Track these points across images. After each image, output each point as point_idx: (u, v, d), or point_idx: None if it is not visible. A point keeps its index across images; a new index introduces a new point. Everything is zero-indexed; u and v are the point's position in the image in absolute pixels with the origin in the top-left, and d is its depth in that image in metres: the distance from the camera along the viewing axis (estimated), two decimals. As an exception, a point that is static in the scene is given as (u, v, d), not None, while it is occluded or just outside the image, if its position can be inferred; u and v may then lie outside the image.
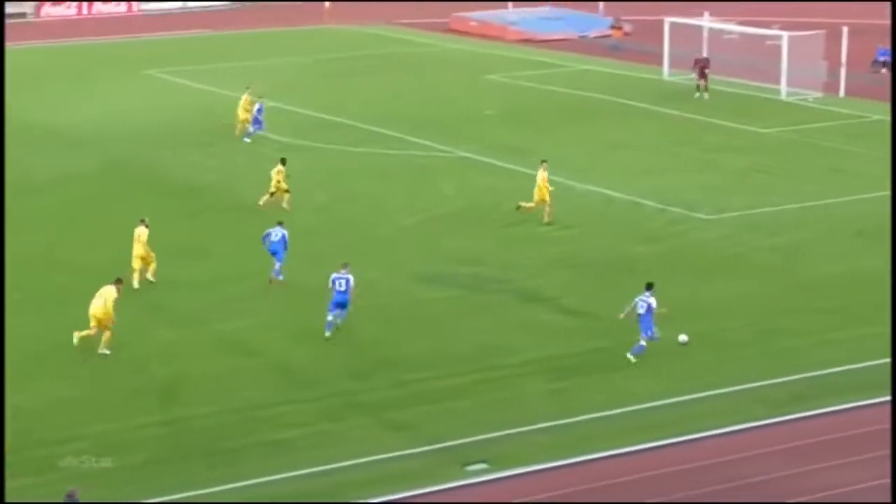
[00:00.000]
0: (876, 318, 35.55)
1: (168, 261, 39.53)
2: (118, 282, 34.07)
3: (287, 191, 46.38)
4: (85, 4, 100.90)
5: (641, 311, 32.94)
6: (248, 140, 56.91)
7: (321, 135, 58.17)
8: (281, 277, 38.85)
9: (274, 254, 38.91)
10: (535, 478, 27.36)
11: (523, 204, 44.76)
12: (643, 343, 32.84)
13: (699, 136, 57.15)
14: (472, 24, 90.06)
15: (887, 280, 38.38)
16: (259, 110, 57.39)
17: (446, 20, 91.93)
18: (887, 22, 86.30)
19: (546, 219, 44.34)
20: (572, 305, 36.99)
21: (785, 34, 66.22)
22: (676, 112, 61.54)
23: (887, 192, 47.42)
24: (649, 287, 33.25)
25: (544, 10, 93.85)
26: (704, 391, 31.15)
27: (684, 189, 48.36)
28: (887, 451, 27.55)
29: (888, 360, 32.57)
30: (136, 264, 38.44)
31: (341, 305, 34.87)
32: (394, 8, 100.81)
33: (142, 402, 30.82)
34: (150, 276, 38.64)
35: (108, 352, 33.31)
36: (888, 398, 30.52)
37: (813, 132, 57.71)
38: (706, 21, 71.53)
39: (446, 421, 29.83)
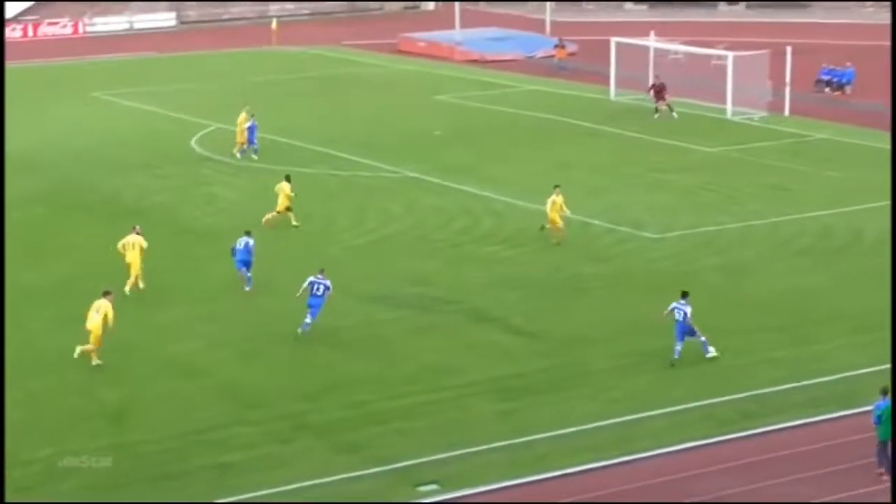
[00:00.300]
0: (820, 335, 35.80)
1: (116, 284, 39.21)
2: (107, 294, 34.39)
3: (289, 209, 46.67)
4: (30, 26, 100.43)
5: (679, 317, 33.83)
6: (239, 157, 56.79)
7: (270, 156, 58.02)
8: (247, 289, 39.68)
9: (243, 264, 39.72)
10: (486, 498, 27.34)
11: (547, 225, 44.55)
12: (702, 339, 33.96)
13: (646, 156, 57.40)
14: (421, 44, 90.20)
15: (830, 297, 38.73)
16: (251, 129, 57.19)
17: (394, 41, 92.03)
18: (830, 42, 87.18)
19: (554, 240, 44.17)
20: (521, 325, 37.03)
21: (730, 54, 66.63)
22: (623, 132, 61.78)
23: (831, 211, 47.83)
24: (685, 295, 34.26)
25: (491, 31, 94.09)
26: (653, 409, 31.20)
27: (632, 208, 48.55)
28: (839, 467, 27.80)
29: (834, 376, 32.85)
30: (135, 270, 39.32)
31: (313, 309, 35.82)
32: (342, 29, 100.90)
33: (89, 426, 30.60)
34: (127, 288, 38.85)
35: (100, 362, 33.86)
36: (836, 414, 30.82)
37: (758, 151, 58.07)
38: (652, 41, 71.87)
39: (396, 442, 29.77)
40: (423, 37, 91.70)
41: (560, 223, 44.39)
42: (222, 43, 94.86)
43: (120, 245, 40.04)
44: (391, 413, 31.30)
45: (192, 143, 61.34)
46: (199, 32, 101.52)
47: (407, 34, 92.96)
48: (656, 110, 64.50)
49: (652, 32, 73.06)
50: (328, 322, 37.12)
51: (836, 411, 31.02)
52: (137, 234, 40.13)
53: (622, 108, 68.06)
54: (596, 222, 47.12)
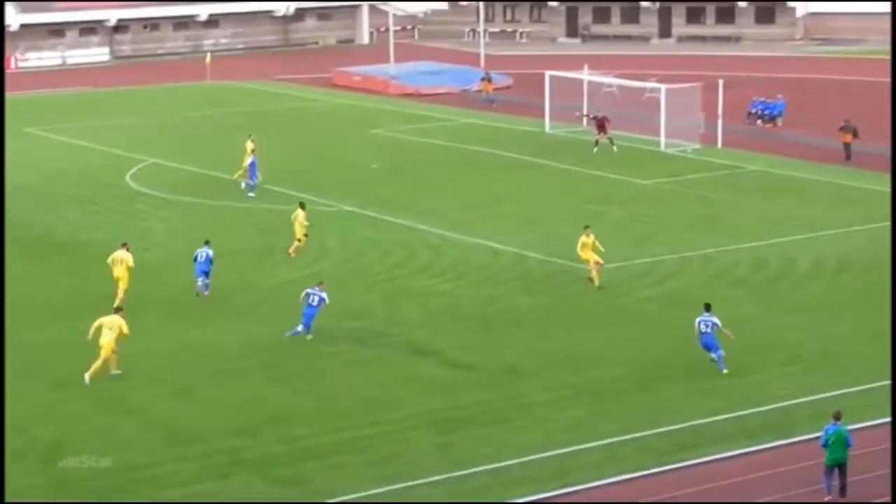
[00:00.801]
0: (754, 365, 35.97)
1: (48, 320, 38.94)
2: (118, 311, 35.88)
3: (305, 236, 47.31)
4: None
5: (707, 329, 35.15)
6: (244, 187, 56.59)
7: (205, 191, 57.83)
8: (207, 293, 41.92)
9: (202, 273, 41.94)
10: (422, 532, 27.25)
11: (593, 276, 43.44)
12: (722, 353, 35.19)
13: (581, 188, 57.62)
14: (356, 78, 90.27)
15: (765, 327, 38.93)
16: (252, 164, 56.80)
17: (329, 75, 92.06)
18: (760, 74, 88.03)
19: (596, 282, 43.20)
20: (458, 358, 36.98)
21: (663, 87, 67.11)
22: (558, 164, 61.99)
23: (765, 241, 48.18)
24: (708, 308, 35.53)
25: (426, 65, 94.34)
26: (591, 441, 31.22)
27: (567, 240, 48.56)
28: (776, 497, 27.88)
29: (770, 406, 33.00)
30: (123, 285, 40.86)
31: (307, 319, 37.92)
32: (277, 63, 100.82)
33: (23, 464, 30.24)
34: (116, 303, 39.07)
35: (88, 380, 34.76)
36: (772, 444, 30.90)
37: (692, 183, 58.44)
38: (586, 74, 72.29)
39: (334, 476, 29.62)
40: (357, 71, 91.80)
41: (595, 262, 43.41)
42: (157, 77, 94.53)
43: (109, 260, 41.88)
44: (329, 447, 31.15)
45: (127, 177, 60.98)
46: (133, 67, 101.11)
47: (342, 68, 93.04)
48: (597, 143, 64.75)
49: (586, 66, 73.50)
50: (264, 357, 36.97)
51: (772, 441, 31.15)
52: (126, 251, 41.75)
53: (557, 140, 68.33)
54: (531, 254, 47.20)
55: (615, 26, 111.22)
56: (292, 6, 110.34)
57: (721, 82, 66.29)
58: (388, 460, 30.47)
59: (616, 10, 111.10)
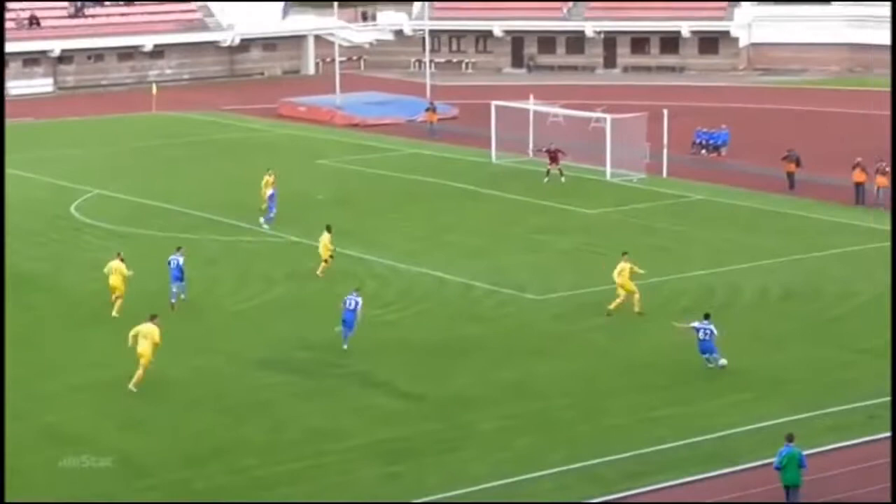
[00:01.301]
0: (700, 393, 36.24)
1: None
2: (153, 318, 37.24)
3: (331, 257, 48.41)
4: None
5: (705, 336, 37.35)
6: (263, 223, 56.40)
7: (151, 222, 57.68)
8: (183, 296, 44.56)
9: (176, 279, 44.31)
10: (371, 562, 27.25)
11: (611, 307, 43.44)
12: (717, 356, 37.57)
13: (527, 218, 57.82)
14: (301, 109, 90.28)
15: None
16: (271, 197, 56.63)
17: (275, 106, 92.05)
18: (705, 104, 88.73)
19: (637, 308, 43.32)
20: (406, 388, 37.05)
21: (608, 117, 67.51)
22: (504, 194, 62.19)
23: (710, 270, 48.51)
24: (707, 317, 37.58)
25: (371, 95, 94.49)
26: (537, 471, 31.35)
27: (514, 270, 48.86)
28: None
29: (715, 434, 33.24)
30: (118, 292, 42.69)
31: (348, 323, 39.74)
32: (222, 94, 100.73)
33: None
34: (115, 311, 40.09)
35: (135, 389, 35.92)
36: (718, 472, 31.13)
37: (638, 212, 58.80)
38: (531, 104, 72.64)
39: (281, 508, 29.61)
40: (303, 101, 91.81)
41: (632, 290, 43.54)
42: (102, 108, 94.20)
43: (106, 269, 43.75)
44: (277, 478, 31.13)
45: (72, 209, 60.73)
46: (77, 98, 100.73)
47: (287, 98, 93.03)
48: (548, 173, 64.99)
49: (531, 96, 73.85)
50: (212, 387, 36.92)
51: (719, 469, 31.36)
52: (120, 261, 43.73)
53: (503, 170, 68.57)
54: (478, 284, 47.34)
55: (560, 56, 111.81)
56: (237, 36, 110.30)
57: (666, 112, 66.79)
58: (336, 490, 30.49)
59: (561, 40, 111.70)
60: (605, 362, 39.09)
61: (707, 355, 37.74)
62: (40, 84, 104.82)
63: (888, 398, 34.53)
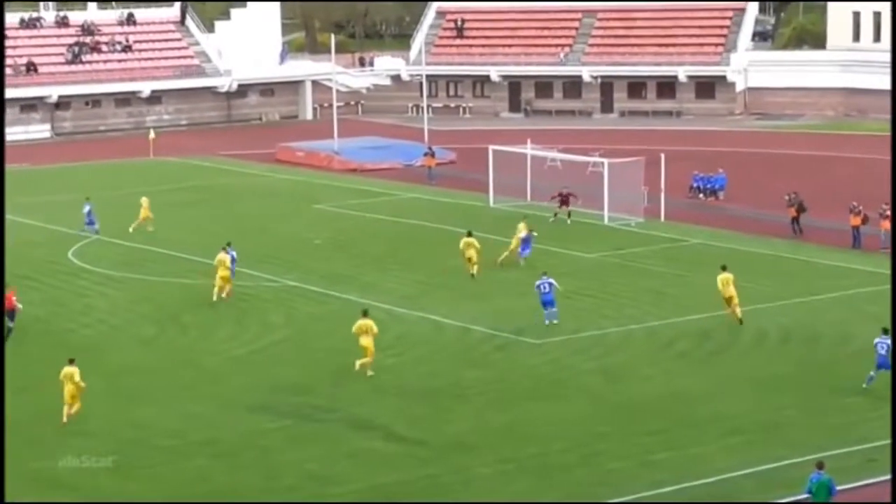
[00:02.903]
0: (697, 438, 36.14)
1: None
2: (365, 314, 42.25)
3: (473, 260, 54.20)
4: None
5: (882, 351, 38.51)
6: None
7: (149, 267, 57.70)
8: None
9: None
10: None
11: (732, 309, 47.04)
12: (874, 375, 38.97)
13: (525, 262, 57.74)
14: (299, 154, 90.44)
15: (707, 400, 39.17)
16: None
17: (273, 151, 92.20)
18: (701, 148, 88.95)
19: (738, 316, 46.77)
20: (403, 433, 36.95)
21: (606, 161, 67.62)
22: (502, 238, 62.12)
23: (707, 314, 48.47)
24: (886, 332, 38.24)
25: (370, 140, 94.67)
26: (535, 515, 31.23)
27: (512, 314, 48.81)
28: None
29: (712, 479, 33.14)
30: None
31: (549, 303, 46.33)
32: (220, 139, 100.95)
33: None
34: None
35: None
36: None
37: (635, 256, 58.79)
38: (529, 149, 72.77)
39: (277, 553, 29.47)
40: (301, 146, 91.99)
41: (735, 299, 46.72)
42: (99, 154, 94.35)
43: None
44: (273, 524, 30.99)
45: (69, 254, 60.74)
46: (74, 144, 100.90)
47: (285, 143, 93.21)
48: (555, 215, 65.09)
49: (529, 140, 74.00)
50: (207, 433, 36.82)
51: (715, 513, 31.27)
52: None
53: (501, 214, 68.57)
54: (476, 328, 47.31)
55: (557, 101, 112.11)
56: (235, 82, 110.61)
57: (663, 156, 66.91)
58: (333, 536, 30.34)
59: (558, 84, 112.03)
60: (601, 406, 39.01)
61: (882, 371, 38.61)
62: (37, 130, 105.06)
63: (887, 441, 34.47)
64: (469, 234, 55.35)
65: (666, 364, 43.06)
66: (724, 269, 47.70)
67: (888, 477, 31.93)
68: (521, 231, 56.81)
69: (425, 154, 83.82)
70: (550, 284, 46.61)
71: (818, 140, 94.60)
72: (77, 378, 37.59)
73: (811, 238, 61.62)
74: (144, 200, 66.25)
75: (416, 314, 49.32)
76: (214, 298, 50.58)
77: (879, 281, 52.50)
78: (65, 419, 37.54)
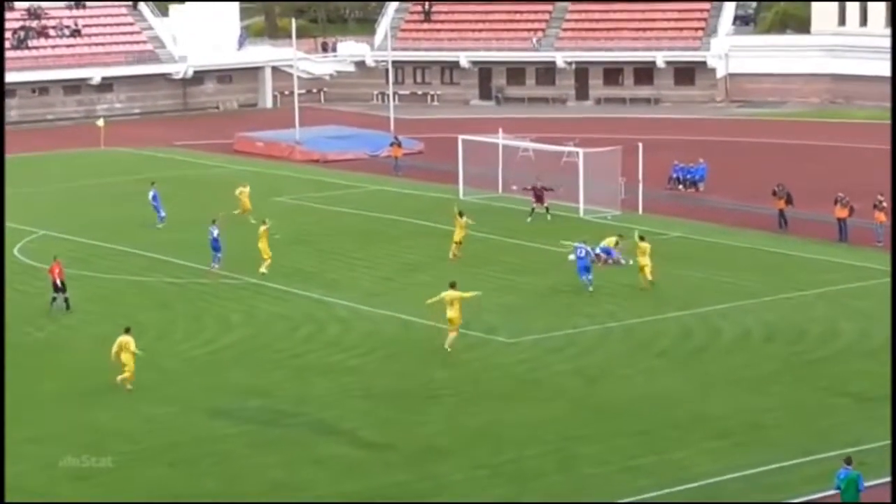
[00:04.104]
0: (680, 440, 36.28)
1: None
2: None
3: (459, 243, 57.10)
4: None
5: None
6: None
7: (100, 264, 57.54)
8: (214, 266, 54.95)
9: (214, 250, 54.90)
10: None
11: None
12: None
13: (497, 257, 57.91)
14: (259, 144, 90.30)
15: (690, 401, 39.31)
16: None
17: (231, 141, 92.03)
18: (681, 137, 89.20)
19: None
20: (370, 437, 36.98)
21: (581, 151, 67.71)
22: (473, 232, 62.12)
23: (689, 311, 48.66)
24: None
25: (333, 129, 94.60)
26: (510, 523, 31.31)
27: (483, 311, 48.81)
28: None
29: (697, 483, 33.28)
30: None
31: (585, 270, 51.07)
32: (175, 129, 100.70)
33: None
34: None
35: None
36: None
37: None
38: (501, 138, 72.82)
39: (240, 564, 29.48)
40: (260, 136, 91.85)
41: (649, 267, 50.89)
42: (47, 144, 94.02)
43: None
44: (235, 534, 31.01)
45: (16, 251, 60.51)
46: (21, 133, 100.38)
47: (244, 133, 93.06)
48: (532, 212, 64.97)
49: (500, 129, 74.06)
50: (166, 438, 36.78)
51: (699, 519, 31.42)
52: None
53: (472, 207, 68.55)
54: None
55: (530, 88, 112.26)
56: (190, 68, 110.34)
57: (641, 146, 67.06)
58: (298, 546, 30.37)
59: (531, 71, 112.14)
60: (578, 408, 39.12)
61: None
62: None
63: (877, 444, 34.69)
64: (460, 214, 57.81)
65: (646, 363, 43.20)
66: (642, 238, 52.08)
67: (882, 480, 32.11)
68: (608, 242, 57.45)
69: (391, 144, 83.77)
70: (586, 251, 51.22)
71: (802, 128, 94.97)
72: (133, 347, 40.68)
73: (796, 231, 61.89)
74: (243, 189, 67.11)
75: (383, 312, 49.34)
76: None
77: (867, 275, 52.78)
78: (128, 385, 40.61)
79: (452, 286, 44.49)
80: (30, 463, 35.32)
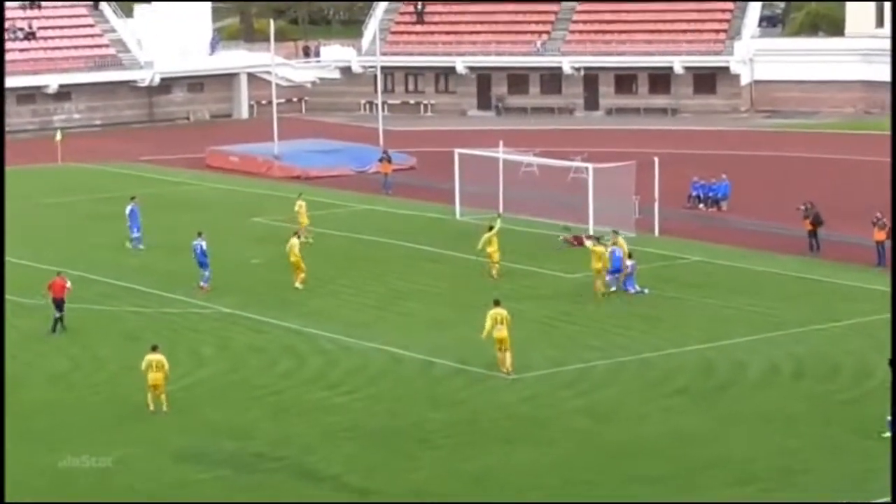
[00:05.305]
0: (703, 485, 36.36)
1: None
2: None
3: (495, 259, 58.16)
4: None
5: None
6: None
7: (57, 291, 57.59)
8: (205, 284, 56.48)
9: (199, 265, 56.93)
10: None
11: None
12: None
13: (496, 283, 58.00)
14: (233, 159, 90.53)
15: (711, 442, 39.38)
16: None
17: (202, 155, 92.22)
18: (701, 151, 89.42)
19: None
20: (357, 483, 37.08)
21: (590, 166, 67.68)
22: (469, 256, 62.32)
23: (711, 344, 48.77)
24: None
25: (316, 142, 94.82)
26: (511, 577, 31.39)
27: (475, 344, 48.82)
28: None
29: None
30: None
31: (616, 271, 54.93)
32: (141, 142, 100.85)
33: None
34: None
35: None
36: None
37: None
38: (501, 152, 72.90)
39: None
40: (235, 150, 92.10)
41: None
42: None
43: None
44: (207, 590, 31.10)
45: (-35, 277, 60.58)
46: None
47: (216, 147, 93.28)
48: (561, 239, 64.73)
49: (501, 142, 74.18)
50: (131, 481, 36.86)
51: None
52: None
53: (468, 228, 68.72)
54: (440, 361, 47.47)
55: (534, 97, 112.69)
56: (157, 75, 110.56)
57: (657, 161, 67.20)
58: None
59: (535, 78, 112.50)
60: (586, 450, 39.20)
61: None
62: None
63: (917, 490, 34.79)
64: (490, 229, 59.06)
65: (662, 401, 43.29)
66: (497, 303, 46.06)
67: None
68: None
69: (380, 159, 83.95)
70: (614, 252, 54.94)
71: (835, 141, 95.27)
72: (166, 366, 42.51)
73: (828, 254, 62.05)
74: (301, 203, 68.05)
75: (370, 345, 49.45)
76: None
77: (906, 304, 52.92)
78: (152, 407, 42.28)
79: (497, 303, 45.64)
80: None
